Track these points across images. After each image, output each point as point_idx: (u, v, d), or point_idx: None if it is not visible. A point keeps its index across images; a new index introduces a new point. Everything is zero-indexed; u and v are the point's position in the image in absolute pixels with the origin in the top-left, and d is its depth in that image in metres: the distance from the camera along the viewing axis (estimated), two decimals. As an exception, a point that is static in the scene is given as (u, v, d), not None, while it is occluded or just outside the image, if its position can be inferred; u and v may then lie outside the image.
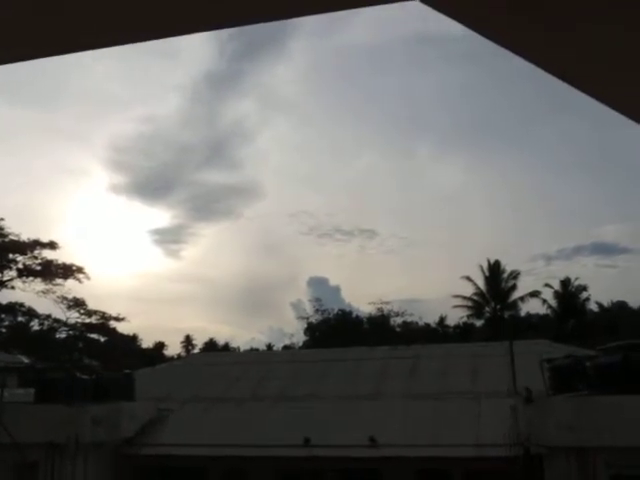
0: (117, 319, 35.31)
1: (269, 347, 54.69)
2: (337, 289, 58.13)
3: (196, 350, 62.78)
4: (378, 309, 43.71)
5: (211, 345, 60.50)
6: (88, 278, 33.62)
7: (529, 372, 13.16)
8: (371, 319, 44.17)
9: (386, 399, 14.69)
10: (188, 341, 64.98)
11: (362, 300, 58.38)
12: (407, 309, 44.29)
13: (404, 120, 68.20)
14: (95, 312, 34.51)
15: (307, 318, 44.91)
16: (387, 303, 43.51)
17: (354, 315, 45.53)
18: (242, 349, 57.33)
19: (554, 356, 12.38)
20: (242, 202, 75.77)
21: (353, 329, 41.70)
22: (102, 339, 36.84)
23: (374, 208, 67.87)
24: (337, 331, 40.92)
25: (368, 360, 17.91)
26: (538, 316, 44.59)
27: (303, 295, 66.70)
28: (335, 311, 44.82)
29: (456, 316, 44.65)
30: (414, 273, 66.01)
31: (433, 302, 62.81)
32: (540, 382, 12.04)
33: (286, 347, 48.58)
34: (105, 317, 34.77)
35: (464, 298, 43.98)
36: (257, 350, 52.28)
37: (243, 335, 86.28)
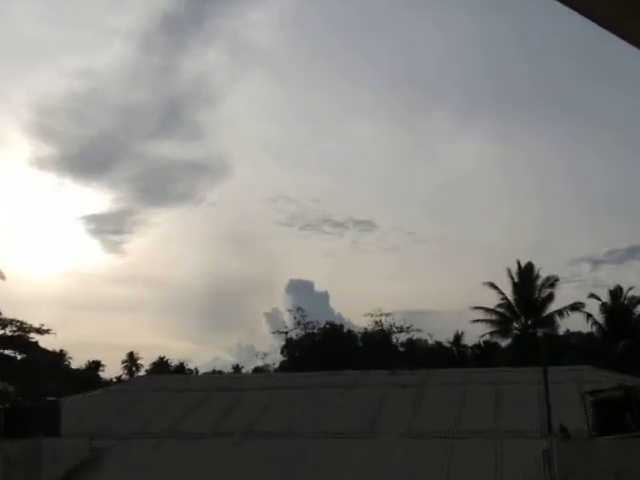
0: (39, 331, 35.04)
1: (236, 369, 54.68)
2: (324, 296, 58.31)
3: (142, 372, 62.65)
4: (376, 323, 43.87)
5: (161, 366, 60.45)
6: (2, 278, 33.31)
7: (568, 406, 13.31)
8: (367, 335, 44.40)
9: (383, 438, 14.73)
10: (132, 360, 64.84)
11: (356, 311, 59.70)
12: (413, 323, 44.03)
13: (411, 82, 68.76)
14: (11, 322, 34.20)
15: (285, 333, 44.66)
16: (388, 315, 43.68)
17: (346, 330, 45.57)
18: (201, 371, 57.32)
19: (600, 387, 12.48)
20: (204, 182, 76.08)
21: (344, 348, 41.62)
22: (19, 356, 36.54)
23: (372, 193, 68.29)
24: (324, 350, 40.79)
25: (362, 388, 18.04)
26: (580, 335, 44.90)
27: (281, 303, 66.88)
28: (322, 324, 44.79)
29: (475, 333, 44.92)
30: (423, 277, 66.46)
31: (446, 315, 63.34)
32: (581, 419, 12.12)
33: (258, 369, 48.60)
34: (24, 328, 34.48)
35: (486, 310, 44.13)
36: (221, 373, 52.13)
37: (203, 353, 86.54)
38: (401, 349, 44.75)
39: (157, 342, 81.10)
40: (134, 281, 71.18)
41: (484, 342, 45.60)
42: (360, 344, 44.63)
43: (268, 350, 46.90)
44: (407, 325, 43.53)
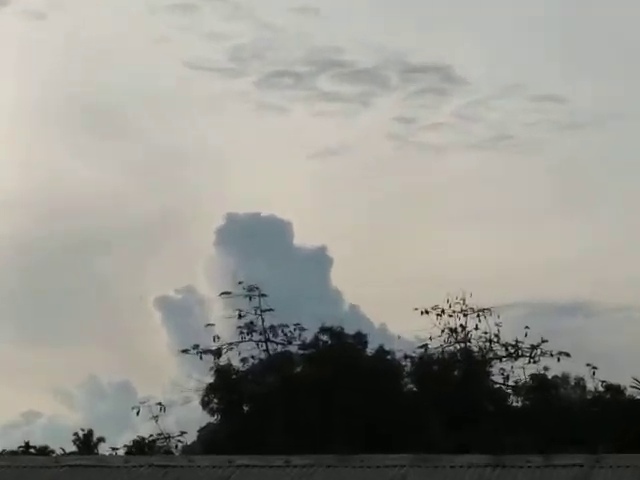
0: None
1: (85, 443, 53.17)
2: (319, 260, 56.53)
3: None
4: (452, 332, 42.87)
5: None
6: None
7: None
8: (428, 362, 42.75)
9: None
10: None
11: (399, 301, 58.37)
12: (550, 336, 42.74)
13: None
14: None
15: (216, 353, 42.59)
16: (482, 313, 42.53)
17: (373, 349, 43.43)
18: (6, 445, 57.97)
19: None
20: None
21: (368, 390, 39.45)
22: None
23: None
24: (316, 396, 39.20)
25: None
26: None
27: (202, 276, 63.48)
28: (309, 332, 42.96)
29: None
30: (578, 220, 64.25)
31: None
32: None
33: (141, 446, 45.45)
34: None
35: None
36: (46, 453, 51.18)
37: (8, 402, 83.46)
38: (517, 401, 43.42)
39: None
40: None
41: None
42: (409, 385, 43.47)
43: (168, 397, 44.44)
44: (535, 342, 42.41)
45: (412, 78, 71.65)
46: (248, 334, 41.74)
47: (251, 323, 41.56)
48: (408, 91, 72.39)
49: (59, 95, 74.84)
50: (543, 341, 41.33)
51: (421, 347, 41.90)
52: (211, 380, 41.75)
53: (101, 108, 72.39)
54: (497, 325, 41.51)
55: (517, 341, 41.48)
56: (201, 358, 41.95)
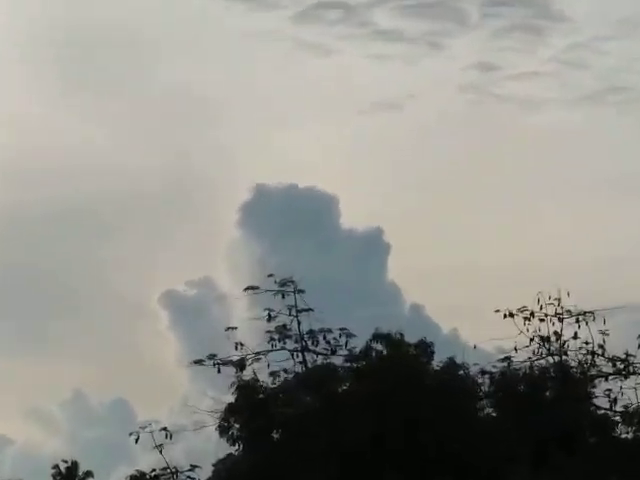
0: None
1: (69, 477, 52.66)
2: (374, 242, 55.84)
3: None
4: (544, 341, 40.82)
5: None
6: None
7: None
8: (505, 380, 40.76)
9: None
10: None
11: (478, 304, 56.83)
12: None
13: None
14: None
15: (238, 364, 40.55)
16: (583, 317, 40.29)
17: (441, 360, 41.03)
18: None
19: None
20: None
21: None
22: None
23: None
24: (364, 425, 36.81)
25: None
26: None
27: (221, 265, 60.68)
28: (358, 342, 40.61)
29: None
30: None
31: None
32: None
33: None
34: None
35: None
36: None
37: None
38: (627, 431, 41.07)
39: None
40: None
41: None
42: (487, 408, 41.47)
43: (176, 421, 42.85)
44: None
45: (497, 13, 69.50)
46: (280, 341, 39.83)
47: (284, 327, 39.59)
48: (491, 30, 70.25)
49: (42, 24, 72.92)
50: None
51: (503, 360, 40.01)
52: (231, 399, 39.75)
53: (98, 45, 69.88)
54: (602, 333, 39.43)
55: (627, 354, 39.39)
56: (219, 371, 40.32)
